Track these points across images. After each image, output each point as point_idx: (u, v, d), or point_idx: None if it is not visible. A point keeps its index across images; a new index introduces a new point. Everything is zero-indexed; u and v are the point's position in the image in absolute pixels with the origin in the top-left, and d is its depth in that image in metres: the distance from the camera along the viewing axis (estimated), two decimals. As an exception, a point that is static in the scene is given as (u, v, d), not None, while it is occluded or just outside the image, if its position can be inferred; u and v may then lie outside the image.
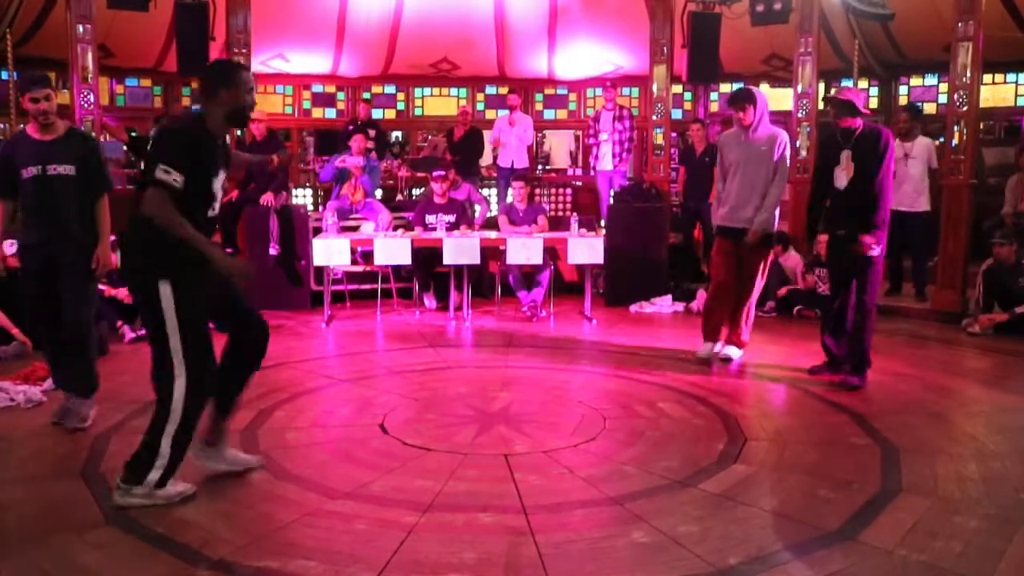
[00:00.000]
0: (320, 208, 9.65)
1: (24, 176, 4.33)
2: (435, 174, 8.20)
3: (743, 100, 5.66)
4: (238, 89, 3.42)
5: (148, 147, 3.47)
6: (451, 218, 7.81)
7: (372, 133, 9.95)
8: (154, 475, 3.32)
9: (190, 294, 3.28)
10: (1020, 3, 9.36)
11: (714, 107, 12.68)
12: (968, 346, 6.64)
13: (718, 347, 5.99)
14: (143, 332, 6.48)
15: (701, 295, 7.98)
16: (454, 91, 12.68)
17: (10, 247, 6.29)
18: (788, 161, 5.78)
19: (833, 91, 5.62)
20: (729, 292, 5.87)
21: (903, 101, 11.72)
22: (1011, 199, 8.83)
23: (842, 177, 5.28)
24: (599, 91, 11.87)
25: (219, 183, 3.48)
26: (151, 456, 3.33)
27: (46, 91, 4.38)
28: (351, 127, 10.06)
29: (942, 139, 9.16)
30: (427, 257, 7.59)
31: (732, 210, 5.77)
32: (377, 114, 12.26)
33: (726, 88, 12.51)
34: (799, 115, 8.83)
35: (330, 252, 7.27)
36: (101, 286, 6.62)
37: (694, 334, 7.01)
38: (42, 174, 4.32)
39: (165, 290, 3.25)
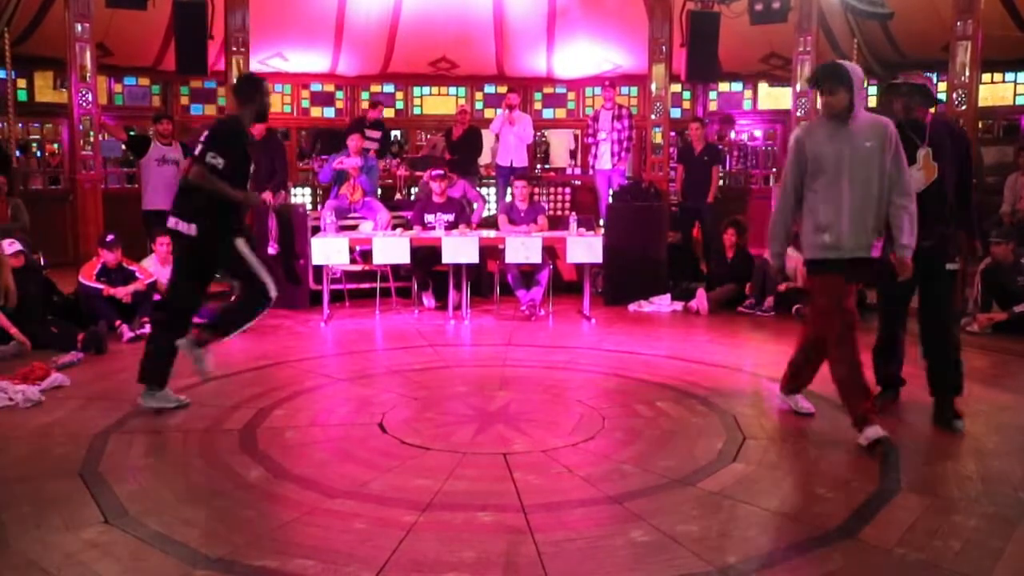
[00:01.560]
0: (319, 207, 9.64)
1: None
2: (433, 173, 8.19)
3: (832, 79, 4.10)
4: (265, 95, 4.88)
5: (205, 138, 4.70)
6: (450, 217, 7.81)
7: (377, 135, 9.98)
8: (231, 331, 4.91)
9: (248, 240, 4.85)
10: (1019, 2, 9.37)
11: (713, 106, 12.68)
12: (967, 345, 6.54)
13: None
14: (141, 332, 6.55)
15: (700, 294, 7.99)
16: (453, 90, 12.67)
17: (9, 246, 6.32)
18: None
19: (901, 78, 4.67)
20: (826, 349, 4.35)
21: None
22: (1010, 198, 8.85)
23: (920, 179, 4.36)
24: (598, 90, 11.86)
25: (251, 165, 4.85)
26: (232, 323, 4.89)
27: None
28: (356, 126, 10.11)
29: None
30: (426, 256, 7.58)
31: (841, 235, 4.09)
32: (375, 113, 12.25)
33: (724, 87, 12.52)
34: (798, 114, 8.84)
35: (329, 251, 7.27)
36: (98, 284, 6.63)
37: (692, 333, 7.05)
38: None
39: (240, 243, 4.73)
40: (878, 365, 4.79)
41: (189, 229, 4.63)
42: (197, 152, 4.65)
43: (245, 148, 4.75)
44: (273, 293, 4.81)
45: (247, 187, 4.84)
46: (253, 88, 4.85)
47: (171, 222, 4.74)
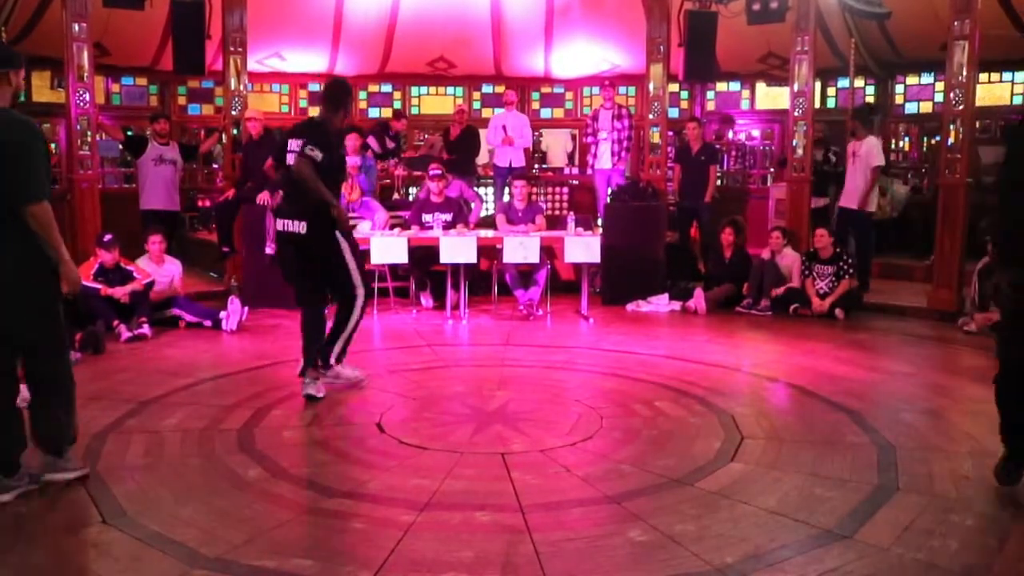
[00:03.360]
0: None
1: None
2: (432, 173, 8.19)
3: None
4: (351, 98, 5.23)
5: (300, 134, 4.89)
6: (447, 217, 7.80)
7: (391, 145, 10.07)
8: (338, 347, 5.13)
9: (351, 240, 5.07)
10: (1016, 2, 9.38)
11: (711, 106, 12.68)
12: (964, 344, 6.65)
13: None
14: (139, 331, 6.55)
15: (698, 294, 7.98)
16: (451, 90, 12.68)
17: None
18: None
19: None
20: None
21: (899, 100, 11.76)
22: (1007, 197, 8.85)
23: None
24: (596, 90, 11.85)
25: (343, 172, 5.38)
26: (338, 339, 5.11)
27: None
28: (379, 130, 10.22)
29: (933, 138, 9.23)
30: (424, 256, 7.58)
31: None
32: (374, 113, 12.26)
33: (722, 87, 12.53)
34: (796, 114, 8.84)
35: (327, 251, 7.25)
36: (96, 284, 6.63)
37: (690, 333, 7.04)
38: None
39: (343, 242, 4.95)
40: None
41: (300, 227, 4.88)
42: (294, 149, 4.84)
43: (337, 152, 5.07)
44: (361, 291, 5.10)
45: (339, 194, 5.17)
46: (343, 92, 5.10)
47: (280, 224, 4.99)
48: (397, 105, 12.49)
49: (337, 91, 5.10)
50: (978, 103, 8.05)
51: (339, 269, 5.00)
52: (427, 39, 11.55)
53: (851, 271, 7.73)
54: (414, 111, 12.61)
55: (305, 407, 4.86)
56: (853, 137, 8.45)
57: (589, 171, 10.26)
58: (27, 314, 3.49)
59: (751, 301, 7.90)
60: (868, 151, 8.38)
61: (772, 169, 10.84)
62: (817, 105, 9.30)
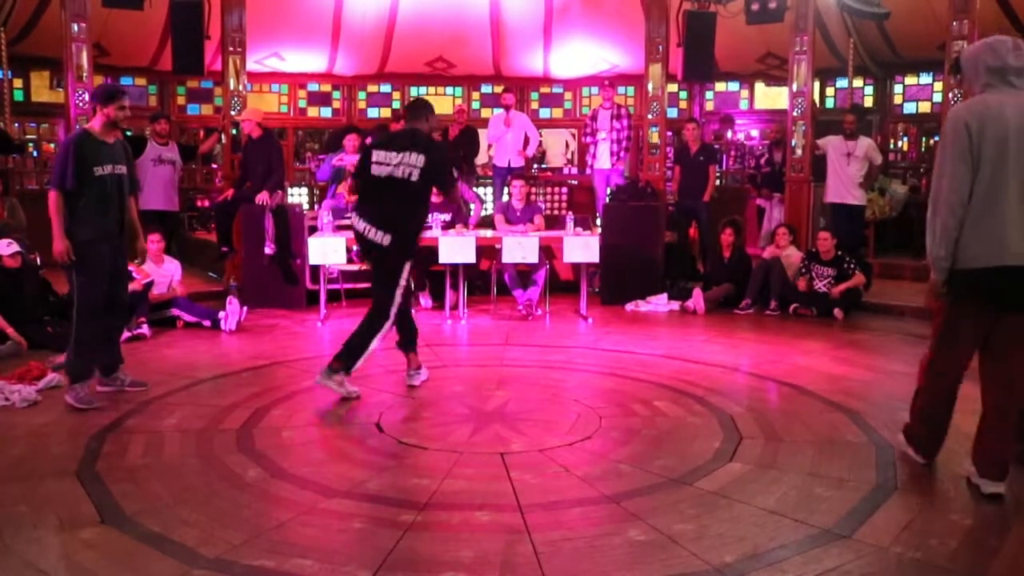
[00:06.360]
0: (316, 207, 9.65)
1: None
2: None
3: None
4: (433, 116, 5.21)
5: (439, 158, 5.05)
6: (447, 217, 7.80)
7: None
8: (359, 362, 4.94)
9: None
10: (1015, 2, 9.40)
11: (709, 106, 12.70)
12: (963, 344, 6.64)
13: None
14: (138, 331, 6.55)
15: (697, 294, 7.98)
16: (450, 90, 12.69)
17: (7, 247, 6.31)
18: None
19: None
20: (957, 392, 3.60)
21: (898, 100, 11.78)
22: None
23: None
24: (595, 90, 11.87)
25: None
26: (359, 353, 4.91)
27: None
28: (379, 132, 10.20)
29: (931, 138, 9.22)
30: (423, 256, 7.56)
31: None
32: (373, 113, 12.27)
33: (721, 87, 12.55)
34: (794, 113, 8.86)
35: (326, 251, 7.25)
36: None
37: (689, 333, 7.04)
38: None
39: (407, 267, 4.92)
40: None
41: (384, 239, 4.85)
42: (435, 170, 4.93)
43: None
44: (392, 317, 4.95)
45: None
46: (427, 109, 5.18)
47: (361, 226, 4.94)
48: (396, 105, 12.50)
49: (417, 109, 5.22)
50: (977, 103, 8.06)
51: (387, 288, 4.93)
52: (426, 39, 11.57)
53: (856, 270, 7.73)
54: (413, 111, 12.60)
55: (304, 407, 4.87)
56: (849, 137, 8.46)
57: (588, 171, 10.27)
58: (68, 269, 4.80)
59: (750, 302, 7.88)
60: (871, 150, 8.41)
61: (760, 189, 10.58)
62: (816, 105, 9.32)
